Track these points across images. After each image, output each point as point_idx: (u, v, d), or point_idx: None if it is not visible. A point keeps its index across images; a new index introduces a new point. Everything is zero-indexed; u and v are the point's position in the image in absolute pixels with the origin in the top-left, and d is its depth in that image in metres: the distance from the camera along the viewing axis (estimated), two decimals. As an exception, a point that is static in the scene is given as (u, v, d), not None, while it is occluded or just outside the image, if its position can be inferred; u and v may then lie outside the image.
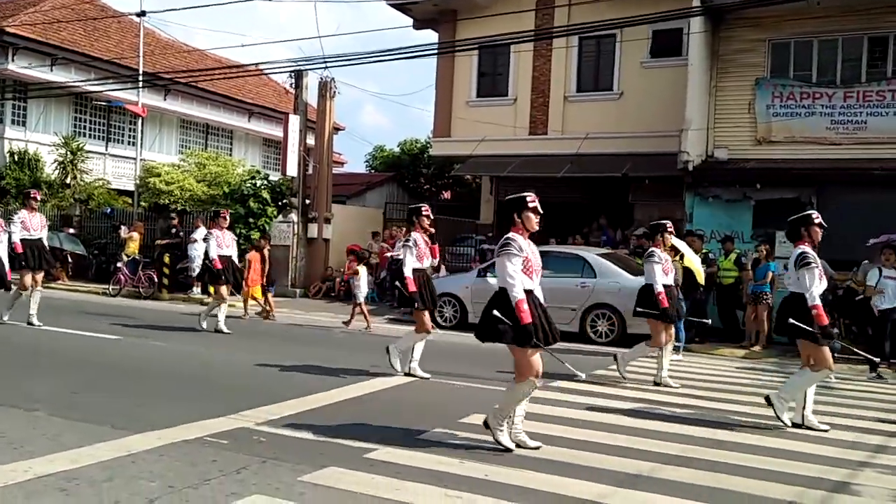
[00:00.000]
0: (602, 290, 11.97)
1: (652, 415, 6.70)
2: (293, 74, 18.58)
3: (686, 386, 8.40)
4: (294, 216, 17.75)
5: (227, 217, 11.71)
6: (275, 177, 19.94)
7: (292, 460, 4.78)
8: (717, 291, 13.08)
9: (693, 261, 10.77)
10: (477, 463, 4.88)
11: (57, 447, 4.83)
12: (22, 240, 10.83)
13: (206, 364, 8.70)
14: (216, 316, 11.33)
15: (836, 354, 11.47)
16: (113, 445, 4.92)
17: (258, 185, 18.22)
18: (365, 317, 12.74)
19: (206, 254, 11.65)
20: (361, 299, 12.93)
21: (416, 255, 8.12)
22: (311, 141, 18.92)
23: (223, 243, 11.47)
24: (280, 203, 17.95)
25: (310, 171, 18.34)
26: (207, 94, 26.49)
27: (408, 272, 8.04)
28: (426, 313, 8.30)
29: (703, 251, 13.02)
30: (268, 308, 13.79)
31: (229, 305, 12.07)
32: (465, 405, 6.70)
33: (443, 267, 16.83)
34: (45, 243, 11.47)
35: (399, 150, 32.26)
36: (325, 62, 17.76)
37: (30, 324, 10.61)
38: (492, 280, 12.89)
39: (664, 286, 8.28)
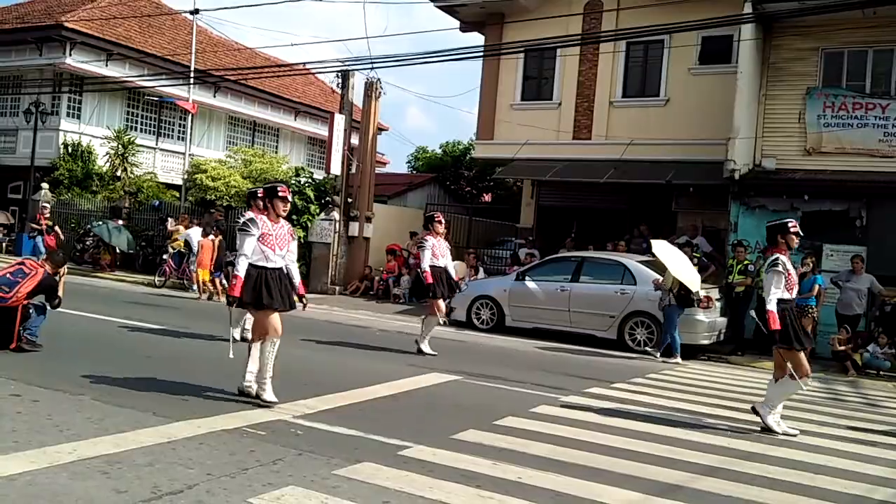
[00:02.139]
0: (642, 297, 11.84)
1: (689, 425, 6.62)
2: (340, 74, 18.77)
3: (726, 398, 8.28)
4: (336, 214, 17.92)
5: (443, 221, 10.06)
6: (318, 175, 20.17)
7: (327, 454, 4.84)
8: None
9: (679, 272, 10.78)
10: (510, 465, 4.88)
11: (100, 431, 4.96)
12: None
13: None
14: (424, 337, 9.88)
15: (882, 372, 11.31)
16: (154, 432, 5.04)
17: (302, 182, 18.44)
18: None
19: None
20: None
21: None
22: (354, 140, 19.10)
23: (438, 252, 9.85)
24: (323, 201, 18.15)
25: (353, 171, 18.50)
26: (256, 91, 26.93)
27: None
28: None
29: (746, 261, 12.83)
30: (214, 290, 15.20)
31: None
32: (500, 407, 6.70)
33: (481, 269, 16.84)
34: None
35: (441, 151, 32.38)
36: (372, 63, 17.92)
37: None
38: (530, 284, 12.92)
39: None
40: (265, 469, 4.45)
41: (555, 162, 17.64)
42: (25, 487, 3.86)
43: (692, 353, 11.75)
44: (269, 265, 6.22)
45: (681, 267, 10.98)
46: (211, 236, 15.42)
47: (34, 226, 18.38)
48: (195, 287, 15.72)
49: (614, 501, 4.33)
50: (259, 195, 6.93)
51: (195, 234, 16.28)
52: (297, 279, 6.59)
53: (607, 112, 17.78)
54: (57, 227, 18.27)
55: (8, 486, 3.85)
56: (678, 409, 7.41)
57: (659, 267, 11.97)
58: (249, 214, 6.54)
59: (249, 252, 6.14)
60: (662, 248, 11.22)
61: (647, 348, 11.52)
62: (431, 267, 9.65)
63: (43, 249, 17.55)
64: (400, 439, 5.31)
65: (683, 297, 11.02)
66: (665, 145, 16.38)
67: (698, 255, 14.08)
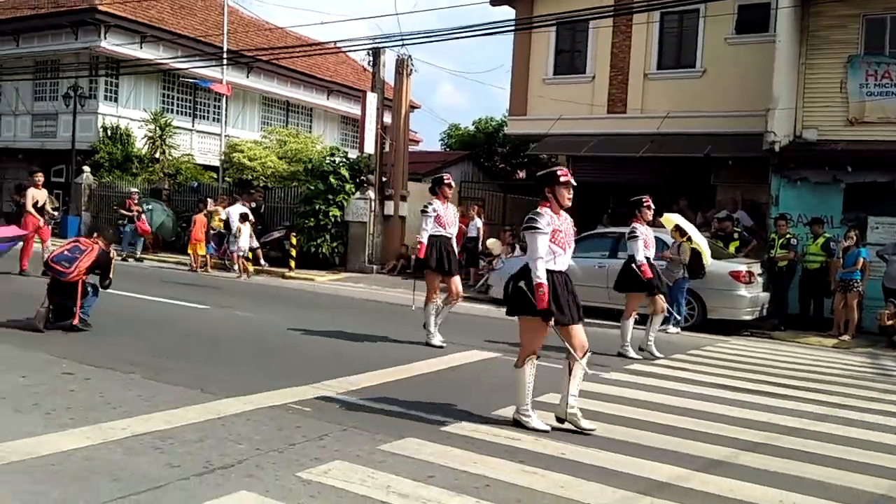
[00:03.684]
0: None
1: (731, 401, 6.58)
2: (371, 52, 18.75)
3: (769, 373, 8.19)
4: (371, 193, 17.99)
5: (453, 185, 9.03)
6: (353, 154, 20.24)
7: (372, 429, 4.91)
8: (802, 277, 12.65)
9: (700, 243, 10.57)
10: (552, 441, 4.91)
11: (151, 408, 5.10)
12: None
13: (289, 334, 8.98)
14: (649, 341, 9.07)
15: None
16: (203, 408, 5.17)
17: (338, 162, 18.54)
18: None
19: (632, 258, 8.86)
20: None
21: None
22: (387, 119, 19.10)
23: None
24: (358, 180, 18.23)
25: (387, 149, 18.52)
26: (288, 71, 27.03)
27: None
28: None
29: (788, 235, 12.61)
30: (204, 263, 16.49)
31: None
32: (541, 384, 6.68)
33: (517, 246, 16.81)
34: None
35: (474, 128, 32.24)
36: (403, 40, 17.86)
37: None
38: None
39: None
40: (312, 444, 4.54)
41: (589, 136, 17.45)
42: (83, 462, 3.99)
43: (734, 328, 11.63)
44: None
45: (699, 237, 10.89)
46: (199, 210, 17.19)
47: (124, 212, 18.26)
48: (236, 267, 16.01)
49: (658, 476, 4.33)
50: (445, 181, 8.52)
51: (235, 211, 16.51)
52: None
53: (642, 84, 17.49)
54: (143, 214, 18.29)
55: (66, 461, 3.99)
56: (720, 384, 7.36)
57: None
58: (434, 201, 8.43)
59: (430, 227, 8.28)
60: (679, 219, 11.08)
61: (667, 327, 11.19)
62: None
63: (134, 239, 17.94)
64: (442, 415, 5.37)
65: (695, 269, 10.95)
66: (702, 118, 16.08)
67: (739, 230, 13.87)
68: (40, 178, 12.84)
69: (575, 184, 5.30)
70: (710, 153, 15.56)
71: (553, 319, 5.10)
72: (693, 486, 4.20)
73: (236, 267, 15.97)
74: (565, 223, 5.31)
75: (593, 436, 5.10)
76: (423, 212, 8.56)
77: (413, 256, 17.73)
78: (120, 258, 17.26)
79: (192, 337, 8.29)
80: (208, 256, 16.81)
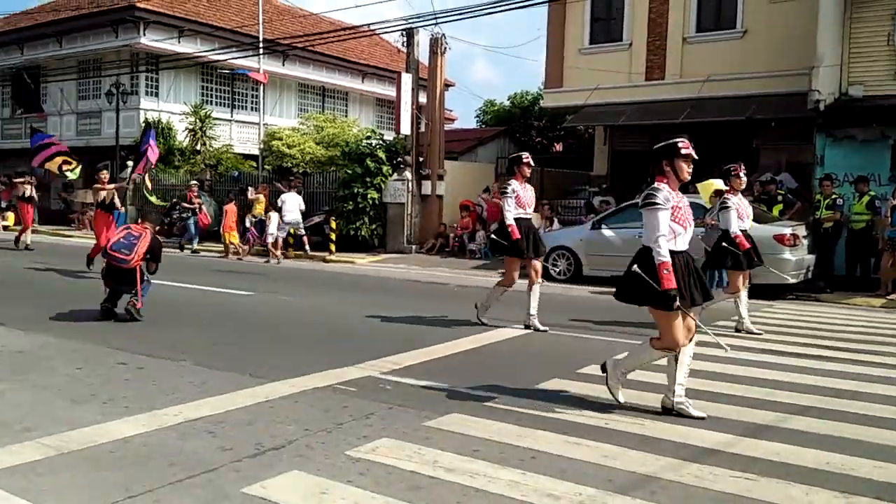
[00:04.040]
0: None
1: (778, 365, 6.50)
2: (404, 33, 18.72)
3: (815, 336, 8.06)
4: (408, 174, 18.06)
5: (532, 164, 8.42)
6: (388, 136, 20.31)
7: (417, 407, 4.99)
8: (847, 237, 12.36)
9: None
10: (596, 412, 4.93)
11: (203, 394, 5.25)
12: None
13: (332, 317, 9.13)
14: (741, 318, 8.46)
15: None
16: (252, 392, 5.31)
17: (374, 144, 18.63)
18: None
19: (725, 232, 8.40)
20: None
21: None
22: (422, 99, 19.08)
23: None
24: (395, 161, 18.30)
25: (422, 129, 18.54)
26: (323, 57, 27.16)
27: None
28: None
29: (833, 195, 12.30)
30: (242, 250, 17.09)
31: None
32: (582, 356, 6.73)
33: (555, 220, 16.73)
34: None
35: (510, 103, 31.97)
36: (436, 18, 17.78)
37: None
38: (606, 232, 12.77)
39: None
40: (358, 423, 4.63)
41: (627, 105, 17.22)
42: (140, 448, 4.15)
43: (780, 292, 11.43)
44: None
45: None
46: (231, 199, 17.67)
47: (186, 205, 18.36)
48: (274, 253, 16.37)
49: (704, 443, 4.33)
50: (523, 159, 8.22)
51: (290, 199, 16.83)
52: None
53: (681, 49, 17.15)
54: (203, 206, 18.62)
55: (124, 448, 4.15)
56: (765, 349, 7.27)
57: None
58: (512, 181, 8.13)
59: (513, 208, 7.99)
60: (719, 183, 10.83)
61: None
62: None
63: (193, 230, 18.33)
64: (486, 391, 5.42)
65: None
66: (743, 79, 15.74)
67: (783, 192, 13.58)
68: (105, 175, 12.83)
69: (696, 157, 4.91)
70: (753, 115, 15.23)
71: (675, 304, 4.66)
72: (739, 452, 4.19)
73: (272, 253, 16.32)
74: (683, 199, 4.89)
75: (638, 406, 5.10)
76: (503, 193, 8.25)
77: (452, 236, 17.94)
78: (189, 251, 17.63)
79: (238, 323, 8.49)
80: (239, 244, 17.28)
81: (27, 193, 17.73)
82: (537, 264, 8.32)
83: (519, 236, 7.98)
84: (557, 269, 13.35)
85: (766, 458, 4.09)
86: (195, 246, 18.32)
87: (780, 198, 13.25)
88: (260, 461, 3.96)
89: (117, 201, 12.90)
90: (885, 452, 4.23)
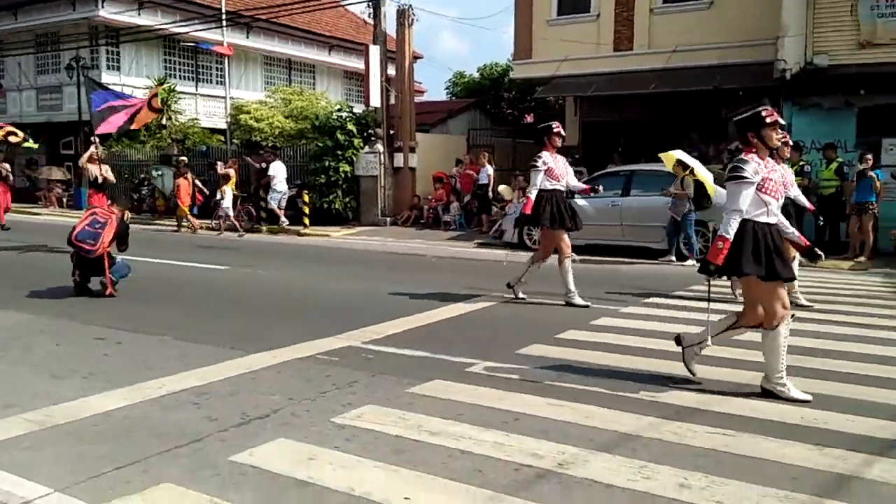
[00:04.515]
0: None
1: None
2: (371, 4, 18.51)
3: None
4: (380, 146, 17.96)
5: (563, 134, 8.11)
6: (358, 109, 20.15)
7: (399, 374, 5.05)
8: (816, 203, 12.61)
9: (704, 175, 10.58)
10: (576, 375, 5.03)
11: (184, 367, 5.24)
12: None
13: (310, 289, 9.13)
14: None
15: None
16: (234, 364, 5.31)
17: (344, 117, 18.47)
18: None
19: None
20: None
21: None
22: (391, 71, 18.93)
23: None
24: (365, 134, 18.18)
25: (392, 102, 18.41)
26: (288, 29, 26.72)
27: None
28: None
29: (801, 162, 12.51)
30: (193, 224, 17.04)
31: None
32: (561, 322, 6.83)
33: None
34: None
35: (479, 75, 31.85)
36: (402, -12, 17.57)
37: None
38: (580, 201, 12.86)
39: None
40: (342, 391, 4.67)
41: (597, 76, 17.25)
42: (123, 421, 4.14)
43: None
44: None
45: (702, 169, 10.90)
46: (182, 173, 17.24)
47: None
48: (283, 219, 16.92)
49: (682, 402, 4.44)
50: (554, 129, 7.80)
51: (280, 168, 17.20)
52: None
53: (648, 20, 17.19)
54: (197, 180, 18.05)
55: (107, 421, 4.14)
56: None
57: (716, 178, 11.76)
58: (543, 152, 7.76)
59: (540, 182, 7.69)
60: (680, 154, 11.06)
61: (687, 260, 11.59)
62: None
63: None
64: (467, 357, 5.49)
65: (699, 200, 10.99)
66: (710, 50, 15.85)
67: (803, 163, 13.74)
68: (98, 152, 12.37)
69: (783, 122, 4.69)
70: (720, 85, 15.37)
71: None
72: (718, 409, 4.31)
73: (239, 226, 16.55)
74: (775, 169, 4.66)
75: (615, 368, 5.21)
76: (533, 166, 7.79)
77: (426, 208, 17.94)
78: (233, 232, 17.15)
79: (216, 297, 8.45)
80: (192, 218, 17.24)
81: (3, 174, 17.53)
82: (566, 238, 7.90)
83: (529, 212, 7.70)
84: (532, 239, 13.44)
85: (743, 415, 4.22)
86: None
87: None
88: (245, 430, 3.98)
89: (110, 176, 12.63)
90: (857, 407, 4.39)
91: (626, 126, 17.98)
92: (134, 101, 13.22)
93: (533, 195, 7.70)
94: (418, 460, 3.55)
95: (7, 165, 18.02)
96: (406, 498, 3.13)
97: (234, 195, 17.24)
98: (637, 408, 4.33)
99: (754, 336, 6.19)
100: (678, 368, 5.09)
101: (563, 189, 7.86)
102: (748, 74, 14.91)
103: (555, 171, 7.75)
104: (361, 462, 3.52)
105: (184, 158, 18.57)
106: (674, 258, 11.77)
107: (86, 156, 12.54)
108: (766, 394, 4.60)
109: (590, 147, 18.49)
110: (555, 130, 7.80)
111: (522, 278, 8.11)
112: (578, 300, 7.76)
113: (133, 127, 13.64)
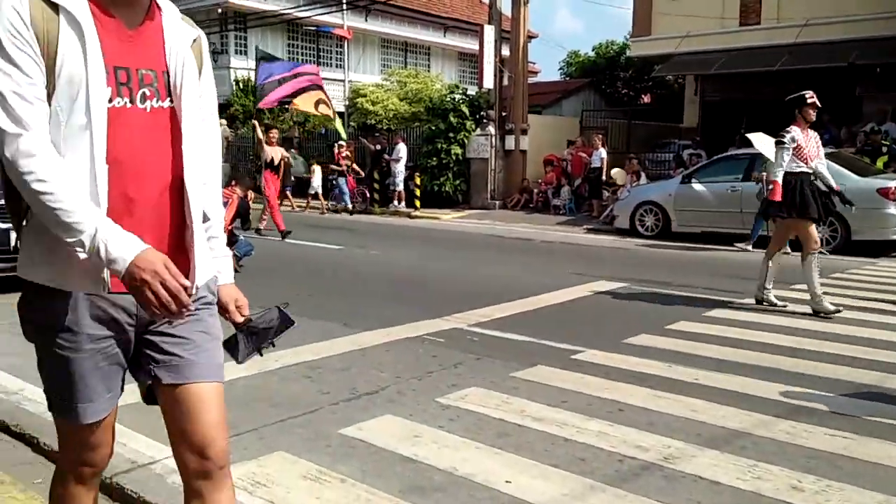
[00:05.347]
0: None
1: (875, 324, 6.25)
2: (487, -17, 18.46)
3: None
4: (492, 129, 17.97)
5: (818, 104, 6.88)
6: (471, 90, 20.21)
7: (504, 358, 5.09)
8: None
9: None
10: (685, 367, 4.90)
11: (299, 342, 5.47)
12: None
13: (421, 270, 9.32)
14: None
15: None
16: (346, 341, 5.52)
17: (457, 99, 18.58)
18: None
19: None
20: None
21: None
22: (505, 51, 18.85)
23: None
24: (478, 116, 18.23)
25: (505, 83, 18.35)
26: (405, 11, 27.10)
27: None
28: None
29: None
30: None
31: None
32: (672, 312, 6.67)
33: (643, 174, 16.36)
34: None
35: (594, 54, 31.19)
36: (519, -33, 17.41)
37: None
38: (697, 186, 12.43)
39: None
40: (448, 372, 4.77)
41: (720, 53, 16.56)
42: (244, 390, 4.40)
43: (882, 249, 10.92)
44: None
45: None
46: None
47: (334, 167, 17.98)
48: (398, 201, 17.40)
49: (798, 401, 4.26)
50: (808, 100, 6.69)
51: (403, 150, 17.47)
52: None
53: (778, -9, 16.30)
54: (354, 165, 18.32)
55: (230, 390, 4.38)
56: (865, 307, 7.00)
57: (847, 161, 11.11)
58: (792, 128, 6.69)
59: (786, 162, 6.66)
60: (761, 139, 10.43)
61: (736, 243, 11.30)
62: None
63: (346, 190, 17.76)
64: (572, 344, 5.47)
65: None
66: (845, 23, 14.86)
67: (888, 143, 12.86)
68: (274, 133, 12.22)
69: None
70: (855, 61, 14.40)
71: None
72: (835, 410, 4.10)
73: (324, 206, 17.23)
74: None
75: (726, 361, 5.05)
76: (779, 142, 6.70)
77: (536, 191, 17.83)
78: (347, 213, 17.72)
79: (331, 276, 8.77)
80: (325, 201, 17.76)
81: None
82: (814, 230, 6.80)
83: (778, 198, 6.64)
84: (645, 225, 13.13)
85: (863, 417, 3.99)
86: (351, 206, 17.82)
87: (884, 149, 12.55)
88: (355, 405, 4.15)
89: (288, 157, 12.52)
90: None
91: (751, 106, 17.14)
92: (304, 76, 13.19)
93: (779, 178, 6.62)
94: (521, 445, 3.59)
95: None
96: (507, 481, 3.18)
97: (345, 175, 17.66)
98: (748, 404, 4.18)
99: (880, 335, 5.85)
100: (795, 364, 4.87)
101: (810, 172, 6.74)
102: (886, 49, 13.88)
103: (804, 150, 6.68)
104: (465, 443, 3.59)
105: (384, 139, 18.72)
106: (750, 247, 11.16)
107: (261, 137, 12.23)
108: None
109: (710, 128, 17.81)
110: (809, 101, 6.69)
111: (767, 283, 6.94)
112: (827, 305, 6.58)
113: (292, 106, 13.68)
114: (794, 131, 6.66)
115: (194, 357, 1.85)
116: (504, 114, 18.27)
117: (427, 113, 19.51)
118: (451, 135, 17.95)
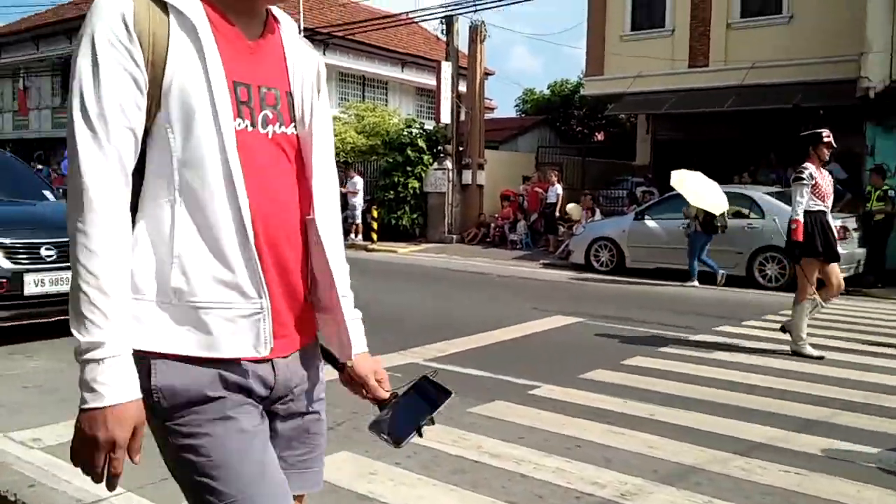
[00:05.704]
0: (771, 231, 11.35)
1: (828, 361, 6.39)
2: (444, 20, 18.74)
3: (863, 332, 7.92)
4: (448, 163, 18.09)
5: (833, 143, 6.65)
6: (428, 125, 20.37)
7: (461, 394, 4.98)
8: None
9: (702, 202, 10.68)
10: (641, 403, 4.92)
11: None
12: None
13: (375, 304, 9.21)
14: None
15: None
16: (300, 377, 5.40)
17: (414, 133, 18.70)
18: None
19: None
20: None
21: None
22: (462, 87, 19.08)
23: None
24: (435, 150, 18.35)
25: (462, 118, 18.54)
26: (363, 46, 27.23)
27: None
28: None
29: (885, 187, 12.01)
30: None
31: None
32: (627, 347, 6.72)
33: (597, 210, 16.62)
34: None
35: (549, 92, 31.79)
36: (475, 5, 17.75)
37: None
38: (650, 223, 12.65)
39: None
40: (404, 409, 4.69)
41: (670, 93, 17.01)
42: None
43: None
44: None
45: (703, 193, 10.77)
46: None
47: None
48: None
49: (752, 437, 4.29)
50: (824, 138, 6.51)
51: (360, 183, 17.56)
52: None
53: (725, 35, 16.88)
54: None
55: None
56: (813, 344, 7.14)
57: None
58: (808, 164, 6.48)
59: (806, 200, 6.40)
60: (679, 178, 11.09)
61: (686, 283, 11.57)
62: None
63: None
64: (529, 379, 5.45)
65: (708, 224, 11.00)
66: (790, 66, 15.42)
67: (886, 187, 13.26)
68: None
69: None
70: (800, 103, 14.93)
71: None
72: (788, 447, 4.15)
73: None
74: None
75: (682, 397, 5.09)
76: (797, 179, 6.45)
77: (493, 226, 17.93)
78: None
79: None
80: None
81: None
82: (837, 270, 6.61)
83: (801, 238, 6.36)
84: (600, 261, 13.29)
85: (815, 454, 4.04)
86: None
87: (827, 188, 12.96)
88: (309, 444, 4.04)
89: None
90: (939, 448, 4.16)
91: (701, 145, 17.62)
92: None
93: (800, 216, 6.37)
94: (478, 481, 3.54)
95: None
96: (464, 521, 3.12)
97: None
98: (704, 440, 4.21)
99: (839, 374, 5.98)
100: (748, 401, 4.93)
101: (826, 209, 6.53)
102: (829, 92, 14.43)
103: (822, 187, 6.48)
104: (421, 479, 3.53)
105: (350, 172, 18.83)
106: (696, 283, 11.47)
107: None
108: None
109: (662, 166, 18.17)
110: (825, 140, 6.52)
111: (803, 333, 6.61)
112: (809, 349, 6.53)
113: None
114: (811, 168, 6.50)
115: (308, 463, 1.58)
116: (461, 148, 18.44)
117: (384, 146, 19.58)
118: (409, 168, 18.02)
